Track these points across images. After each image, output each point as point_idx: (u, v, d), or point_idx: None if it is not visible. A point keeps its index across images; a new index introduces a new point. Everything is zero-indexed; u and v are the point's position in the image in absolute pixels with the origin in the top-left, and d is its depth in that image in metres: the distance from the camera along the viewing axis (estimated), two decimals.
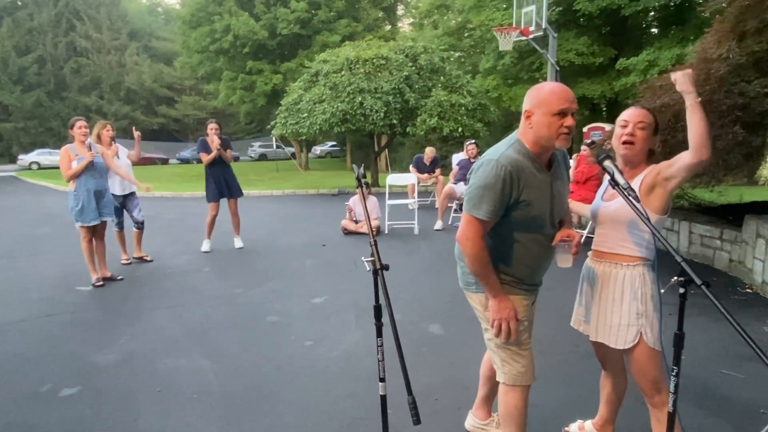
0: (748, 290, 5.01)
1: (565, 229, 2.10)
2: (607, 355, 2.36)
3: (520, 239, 2.04)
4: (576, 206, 2.51)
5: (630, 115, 2.14)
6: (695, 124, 1.97)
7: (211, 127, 6.83)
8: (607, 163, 1.84)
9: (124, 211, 6.42)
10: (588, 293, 2.26)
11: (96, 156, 5.38)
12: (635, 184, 2.08)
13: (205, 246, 7.08)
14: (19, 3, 38.10)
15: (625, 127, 2.12)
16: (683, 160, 2.00)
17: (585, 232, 6.49)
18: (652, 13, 16.92)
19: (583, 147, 8.11)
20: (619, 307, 2.10)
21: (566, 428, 2.69)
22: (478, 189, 1.93)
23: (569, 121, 1.87)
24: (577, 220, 2.63)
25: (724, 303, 1.43)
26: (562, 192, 2.10)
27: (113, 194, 6.02)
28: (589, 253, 2.30)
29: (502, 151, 1.96)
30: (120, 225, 6.44)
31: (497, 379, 2.22)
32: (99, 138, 5.99)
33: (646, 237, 2.05)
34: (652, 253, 2.06)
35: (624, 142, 2.11)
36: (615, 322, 2.11)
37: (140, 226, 6.51)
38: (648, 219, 1.66)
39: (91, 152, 5.34)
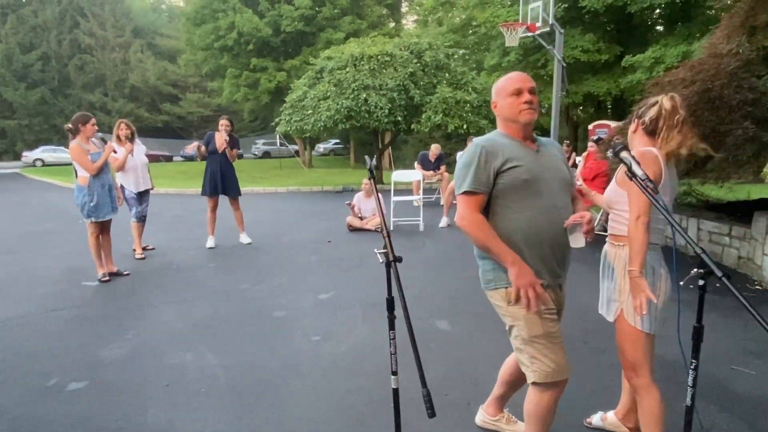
0: (757, 287, 4.98)
1: (578, 212, 2.10)
2: None
3: (521, 210, 2.03)
4: (597, 198, 2.48)
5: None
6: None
7: (222, 123, 6.85)
8: (624, 154, 1.81)
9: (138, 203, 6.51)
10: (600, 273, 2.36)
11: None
12: (618, 173, 2.22)
13: (210, 242, 7.07)
14: (23, 0, 38.13)
15: None
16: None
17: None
18: (658, 11, 16.84)
19: (590, 144, 8.07)
20: (609, 283, 2.24)
21: (588, 420, 2.67)
22: (460, 170, 2.10)
23: (526, 96, 2.07)
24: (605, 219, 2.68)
25: (734, 300, 1.40)
26: (556, 166, 2.14)
27: (130, 191, 6.35)
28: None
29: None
30: (138, 216, 6.51)
31: (528, 380, 2.10)
32: (117, 137, 6.24)
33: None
34: (654, 237, 2.12)
35: None
36: (605, 297, 2.29)
37: (143, 219, 6.57)
38: (667, 210, 1.63)
39: (109, 145, 5.46)
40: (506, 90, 2.11)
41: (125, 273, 5.71)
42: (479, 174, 2.02)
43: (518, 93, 2.08)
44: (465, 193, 2.05)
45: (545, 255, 2.06)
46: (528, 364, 2.06)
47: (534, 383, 2.07)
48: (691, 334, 1.61)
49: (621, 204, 2.17)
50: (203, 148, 6.93)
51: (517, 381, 2.46)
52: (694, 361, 1.59)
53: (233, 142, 6.95)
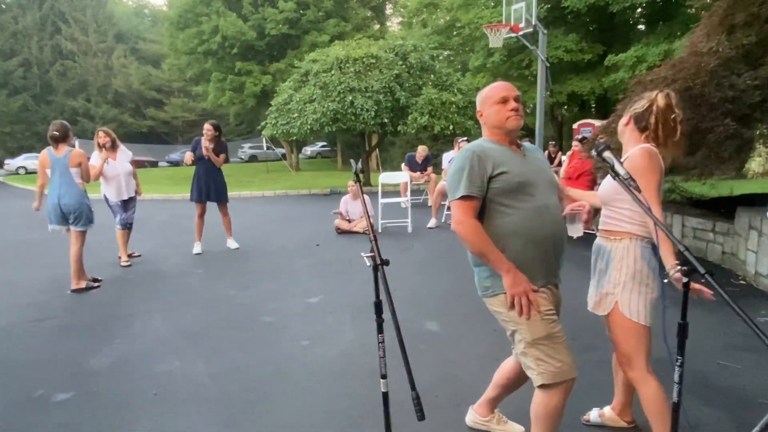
0: (741, 281, 5.05)
1: (577, 202, 2.16)
2: None
3: (515, 211, 2.04)
4: (578, 194, 2.48)
5: None
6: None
7: (206, 128, 6.81)
8: (607, 153, 1.82)
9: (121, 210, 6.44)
10: (592, 269, 2.35)
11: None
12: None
13: (197, 248, 7.02)
14: (3, 6, 37.61)
15: None
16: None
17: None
18: (639, 10, 17.04)
19: (574, 143, 8.14)
20: (602, 277, 2.23)
21: (585, 417, 2.69)
22: (453, 175, 2.11)
23: (512, 104, 2.13)
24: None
25: (719, 296, 1.42)
26: (542, 168, 2.20)
27: (111, 199, 6.34)
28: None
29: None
30: (123, 223, 6.44)
31: (535, 383, 2.08)
32: (99, 146, 6.23)
33: (626, 213, 2.15)
34: (644, 230, 2.13)
35: None
36: (597, 291, 2.26)
37: (129, 226, 6.51)
38: (649, 209, 1.65)
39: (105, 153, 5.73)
40: (492, 99, 2.16)
41: (96, 285, 5.57)
42: (473, 178, 2.04)
43: (504, 101, 2.14)
44: (460, 198, 2.05)
45: (540, 255, 2.07)
46: (534, 367, 2.05)
47: (541, 385, 2.06)
48: (677, 331, 1.63)
49: (618, 201, 2.17)
50: (190, 154, 6.88)
51: (513, 384, 2.47)
52: (679, 357, 1.61)
53: (220, 147, 6.89)
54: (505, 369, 2.47)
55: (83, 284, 5.38)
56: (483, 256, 2.03)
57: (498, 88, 2.19)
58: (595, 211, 2.41)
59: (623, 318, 2.14)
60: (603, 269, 2.23)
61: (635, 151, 2.16)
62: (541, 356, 2.03)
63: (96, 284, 5.47)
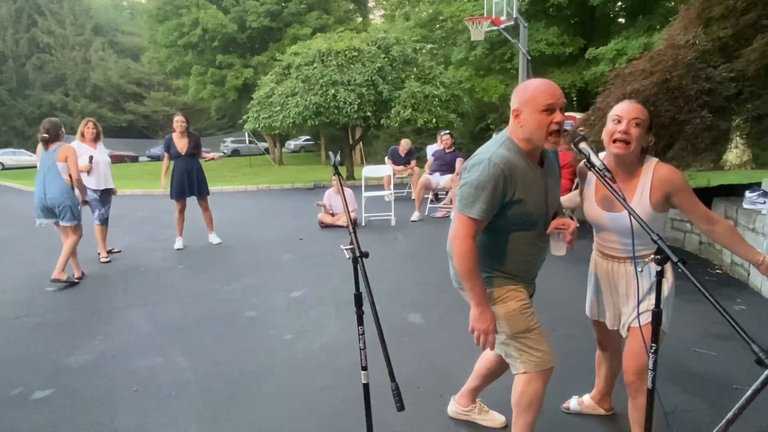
0: (717, 271, 5.15)
1: (559, 218, 2.05)
2: (610, 339, 2.41)
3: (514, 238, 2.02)
4: (563, 200, 2.45)
5: (624, 110, 1.98)
6: (742, 251, 2.02)
7: (177, 120, 6.71)
8: (582, 145, 1.84)
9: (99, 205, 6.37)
10: (606, 289, 2.22)
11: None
12: (642, 196, 2.00)
13: (178, 243, 6.95)
14: None
15: (618, 122, 1.97)
16: (697, 219, 2.06)
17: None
18: (620, 3, 17.20)
19: None
20: (646, 297, 2.05)
21: (565, 405, 2.74)
22: (471, 188, 1.90)
23: (558, 116, 1.84)
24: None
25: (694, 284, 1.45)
26: (555, 189, 2.09)
27: (91, 190, 6.18)
28: (595, 250, 2.25)
29: (494, 150, 1.93)
30: (101, 219, 6.37)
31: (516, 371, 2.10)
32: (83, 135, 6.18)
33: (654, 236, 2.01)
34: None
35: (617, 140, 1.97)
36: (642, 309, 2.04)
37: (106, 221, 6.45)
38: (624, 199, 1.68)
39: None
40: (538, 104, 1.86)
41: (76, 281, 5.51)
42: (492, 203, 1.89)
43: (551, 111, 1.85)
44: (470, 218, 1.92)
45: (526, 269, 2.12)
46: (516, 356, 2.08)
47: (522, 374, 2.08)
48: (651, 320, 1.66)
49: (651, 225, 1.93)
50: (166, 155, 6.80)
51: (494, 374, 2.50)
52: (654, 345, 1.64)
53: (194, 142, 6.77)
54: (485, 358, 2.50)
55: (64, 276, 5.31)
56: (464, 278, 1.98)
57: (545, 92, 1.86)
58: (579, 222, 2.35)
59: (661, 332, 1.91)
60: (641, 289, 2.04)
61: (669, 170, 2.04)
62: (522, 348, 2.06)
63: (76, 280, 5.40)
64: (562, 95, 1.87)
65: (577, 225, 2.03)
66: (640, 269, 2.03)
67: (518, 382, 2.12)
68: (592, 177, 2.11)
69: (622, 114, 1.97)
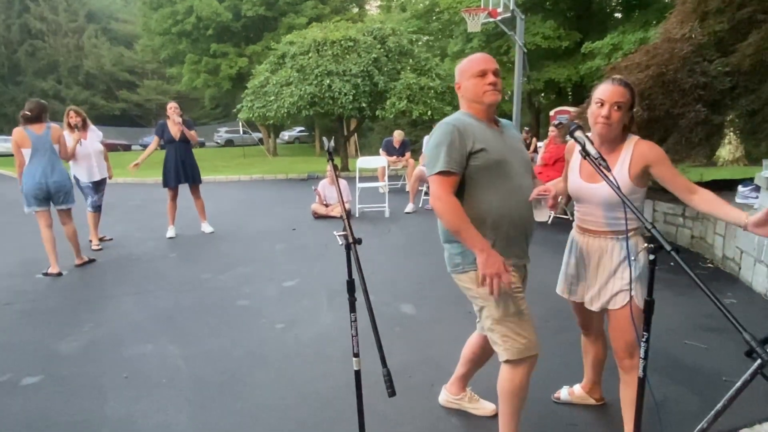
0: (709, 265, 5.18)
1: (540, 187, 2.10)
2: (591, 320, 2.43)
3: (492, 190, 2.04)
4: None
5: (606, 93, 2.06)
6: (726, 214, 2.03)
7: (170, 106, 6.67)
8: (578, 134, 1.84)
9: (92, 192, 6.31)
10: (581, 265, 2.24)
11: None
12: (623, 168, 2.07)
13: (170, 232, 6.91)
14: None
15: (601, 106, 2.06)
16: (677, 190, 2.06)
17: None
18: None
19: (551, 129, 8.20)
20: (621, 275, 2.09)
21: (556, 395, 2.75)
22: (432, 150, 2.07)
23: (490, 78, 2.08)
24: (566, 202, 2.56)
25: (688, 278, 1.45)
26: (518, 147, 2.20)
27: (83, 181, 6.20)
28: (575, 226, 2.27)
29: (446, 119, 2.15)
30: (94, 206, 6.33)
31: (500, 358, 2.12)
32: (69, 125, 6.02)
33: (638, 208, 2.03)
34: (639, 223, 2.08)
35: (599, 123, 2.07)
36: (616, 288, 2.10)
37: (99, 209, 6.40)
38: (618, 188, 1.67)
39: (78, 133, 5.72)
40: (470, 71, 2.11)
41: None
42: (453, 154, 2.00)
43: (482, 74, 2.09)
44: (439, 173, 2.01)
45: (513, 235, 2.09)
46: (500, 343, 2.09)
47: (506, 361, 2.09)
48: (643, 308, 1.66)
49: (632, 199, 1.96)
50: (157, 139, 6.75)
51: (480, 359, 2.51)
52: (645, 333, 1.64)
53: (186, 125, 6.73)
54: (471, 343, 2.52)
55: (86, 258, 5.53)
56: (458, 233, 2.00)
57: (477, 60, 2.13)
58: (567, 198, 2.38)
59: (638, 309, 2.01)
60: (616, 266, 2.10)
61: (649, 144, 2.11)
62: (507, 333, 2.06)
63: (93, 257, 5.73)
64: (492, 62, 2.13)
65: (560, 198, 2.13)
66: (633, 258, 2.03)
67: (503, 370, 2.14)
68: (577, 152, 2.16)
69: (604, 98, 2.06)
